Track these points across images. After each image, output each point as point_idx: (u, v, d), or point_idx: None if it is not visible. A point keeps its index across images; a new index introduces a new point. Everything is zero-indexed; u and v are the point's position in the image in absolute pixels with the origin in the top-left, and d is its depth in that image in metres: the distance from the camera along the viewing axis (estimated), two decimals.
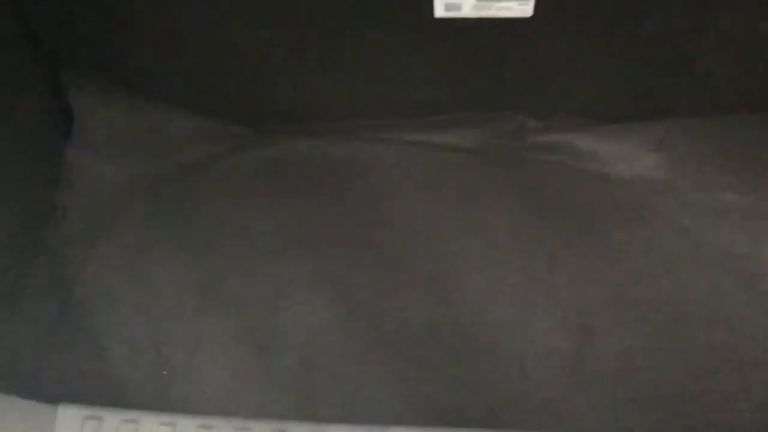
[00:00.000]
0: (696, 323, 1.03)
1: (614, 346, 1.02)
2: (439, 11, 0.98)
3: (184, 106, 1.21)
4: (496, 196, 1.19)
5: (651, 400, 0.98)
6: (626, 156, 1.19)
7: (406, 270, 1.11)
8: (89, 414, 0.73)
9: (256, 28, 1.08)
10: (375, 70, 1.14)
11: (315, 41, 1.10)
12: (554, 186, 1.19)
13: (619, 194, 1.17)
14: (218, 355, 1.03)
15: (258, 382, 1.01)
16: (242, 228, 1.16)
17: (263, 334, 1.05)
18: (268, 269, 1.11)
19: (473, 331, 1.05)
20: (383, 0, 1.01)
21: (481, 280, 1.10)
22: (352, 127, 1.23)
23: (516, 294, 1.08)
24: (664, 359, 1.01)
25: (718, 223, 1.11)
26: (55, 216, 1.15)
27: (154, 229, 1.15)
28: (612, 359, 1.01)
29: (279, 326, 1.06)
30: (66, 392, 0.77)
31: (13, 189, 1.07)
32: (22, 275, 1.08)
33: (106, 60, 1.14)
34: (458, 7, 0.98)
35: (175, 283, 1.10)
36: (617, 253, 1.10)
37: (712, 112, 1.16)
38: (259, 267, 1.12)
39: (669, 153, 1.18)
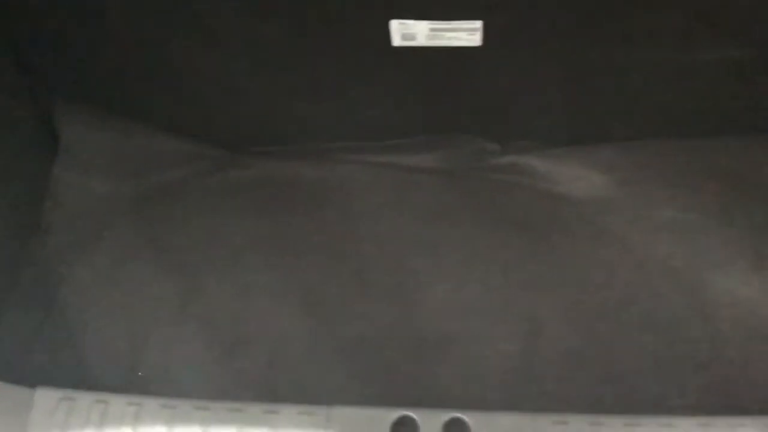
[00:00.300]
0: (637, 328, 1.11)
1: (561, 349, 1.10)
2: (397, 40, 1.08)
3: (166, 129, 1.30)
4: (456, 213, 1.27)
5: (594, 399, 1.05)
6: (577, 177, 1.28)
7: (371, 280, 1.19)
8: (64, 396, 0.81)
9: (233, 58, 1.18)
10: (343, 95, 1.24)
11: (287, 70, 1.20)
12: (511, 205, 1.28)
13: (570, 212, 1.26)
14: (191, 357, 1.10)
15: (226, 382, 1.08)
16: (219, 241, 1.24)
17: (234, 338, 1.13)
18: (241, 279, 1.19)
19: (431, 335, 1.13)
20: (348, 30, 1.10)
21: (440, 290, 1.17)
22: (322, 149, 1.33)
23: (472, 302, 1.16)
24: (607, 361, 1.08)
25: (658, 238, 1.19)
26: (40, 230, 1.23)
27: (135, 243, 1.23)
28: (559, 361, 1.09)
29: (249, 331, 1.13)
30: (43, 383, 0.84)
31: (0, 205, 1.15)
32: (7, 285, 1.15)
33: (92, 84, 1.24)
34: (413, 37, 1.07)
35: (154, 292, 1.17)
36: (567, 265, 1.19)
37: (652, 136, 1.25)
38: (233, 277, 1.19)
39: (615, 174, 1.27)
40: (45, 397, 0.82)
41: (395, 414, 0.80)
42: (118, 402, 0.80)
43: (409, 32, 1.07)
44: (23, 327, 1.11)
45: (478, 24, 1.04)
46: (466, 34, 1.06)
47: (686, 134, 1.26)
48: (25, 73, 1.20)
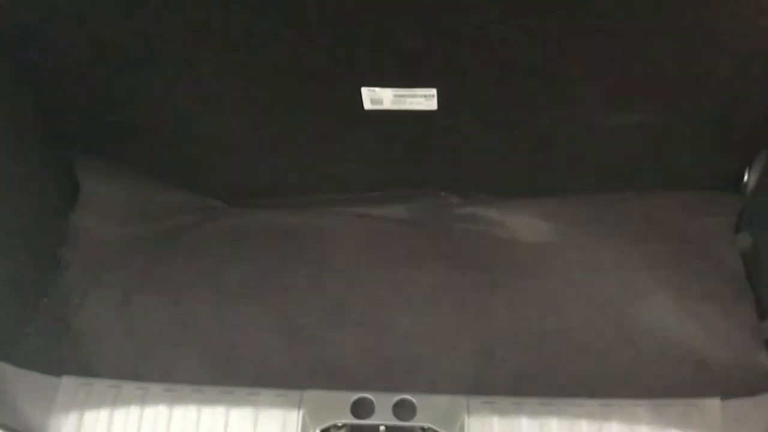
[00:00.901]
0: (575, 352, 1.29)
1: (508, 370, 1.28)
2: (367, 104, 1.31)
3: (170, 182, 1.52)
4: (421, 256, 1.47)
5: None
6: (526, 225, 1.50)
7: (345, 312, 1.38)
8: (84, 382, 0.99)
9: (229, 120, 1.41)
10: (323, 153, 1.46)
11: (275, 131, 1.43)
12: (469, 248, 1.48)
13: (520, 254, 1.46)
14: (188, 376, 1.28)
15: None
16: (214, 279, 1.43)
17: (225, 360, 1.31)
18: (232, 311, 1.38)
19: (398, 358, 1.31)
20: (326, 97, 1.34)
21: (405, 321, 1.36)
22: (304, 201, 1.54)
23: (433, 330, 1.34)
24: (548, 380, 1.26)
25: (594, 275, 1.39)
26: (59, 267, 1.42)
27: (141, 279, 1.42)
28: (507, 379, 1.27)
29: (238, 354, 1.31)
30: None
31: (23, 245, 1.34)
32: (29, 313, 1.34)
33: (106, 143, 1.46)
34: (381, 102, 1.31)
35: (157, 320, 1.36)
36: (516, 299, 1.38)
37: (588, 190, 1.47)
38: (225, 309, 1.38)
39: (558, 222, 1.49)
40: (69, 383, 1.00)
41: (355, 395, 0.99)
42: (128, 387, 0.99)
43: (377, 98, 1.30)
44: (40, 353, 1.28)
45: (433, 91, 1.28)
46: (424, 99, 1.29)
47: (618, 188, 1.47)
48: (52, 134, 1.42)
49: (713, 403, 1.00)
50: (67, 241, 1.46)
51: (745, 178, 1.45)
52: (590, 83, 1.26)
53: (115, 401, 0.99)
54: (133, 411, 0.98)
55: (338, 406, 0.99)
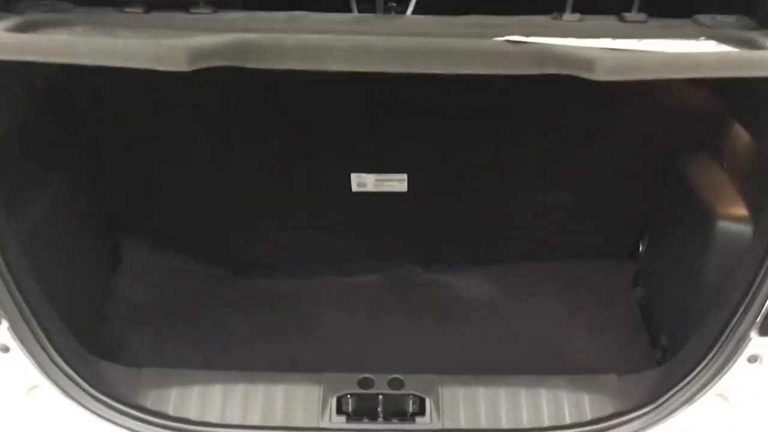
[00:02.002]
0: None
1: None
2: (354, 187, 1.78)
3: (191, 254, 1.93)
4: (391, 312, 1.89)
5: None
6: (476, 286, 1.94)
7: (331, 351, 1.76)
8: (162, 372, 1.37)
9: (241, 207, 1.86)
10: (315, 230, 1.90)
11: (278, 213, 1.87)
12: (430, 306, 1.91)
13: (470, 308, 1.90)
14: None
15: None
16: (227, 329, 1.81)
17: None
18: (242, 352, 1.75)
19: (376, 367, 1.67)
20: (322, 182, 1.80)
21: (380, 358, 1.74)
22: (297, 270, 1.95)
23: (400, 365, 1.70)
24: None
25: (529, 323, 1.82)
26: (104, 319, 1.80)
27: (170, 329, 1.79)
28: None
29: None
30: None
31: (74, 298, 1.71)
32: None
33: (146, 224, 1.88)
34: (365, 185, 1.78)
35: (185, 360, 1.72)
36: (465, 342, 1.79)
37: (526, 258, 1.94)
38: (237, 351, 1.76)
39: (501, 283, 1.94)
40: (150, 373, 1.38)
41: (360, 375, 1.39)
42: (194, 373, 1.38)
43: (362, 181, 1.77)
44: None
45: (404, 176, 1.76)
46: (398, 183, 1.77)
47: (545, 256, 1.95)
48: (101, 214, 1.84)
49: (612, 377, 1.43)
50: (110, 299, 1.83)
51: (640, 249, 1.95)
52: (523, 172, 1.77)
53: (185, 384, 1.37)
54: (201, 391, 1.36)
55: (347, 382, 1.39)
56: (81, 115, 1.64)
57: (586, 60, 1.16)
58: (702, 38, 1.30)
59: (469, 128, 1.73)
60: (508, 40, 1.21)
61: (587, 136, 1.77)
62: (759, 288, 1.27)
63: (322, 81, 1.50)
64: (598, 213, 1.90)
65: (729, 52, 1.21)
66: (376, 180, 1.78)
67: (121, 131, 1.74)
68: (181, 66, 1.11)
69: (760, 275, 1.27)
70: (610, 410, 1.36)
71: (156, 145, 1.78)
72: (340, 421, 1.36)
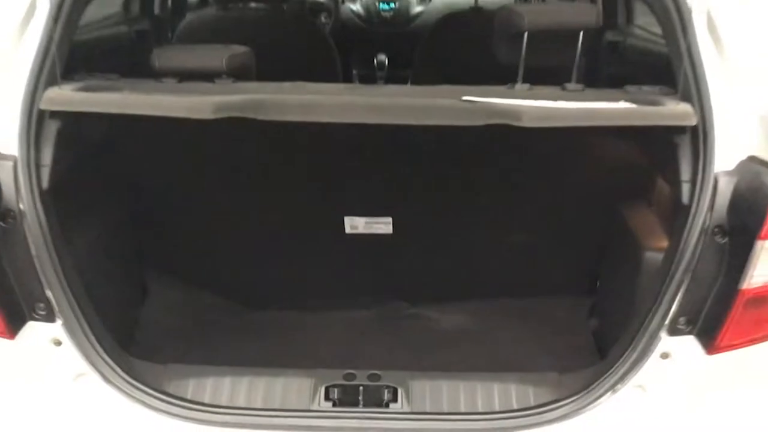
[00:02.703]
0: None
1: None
2: (348, 229, 2.13)
3: (209, 290, 2.27)
4: (380, 338, 2.20)
5: None
6: (453, 318, 2.26)
7: (321, 356, 2.05)
8: (185, 368, 1.70)
9: (251, 247, 2.21)
10: (313, 268, 2.24)
11: (283, 253, 2.22)
12: (414, 334, 2.23)
13: (449, 338, 2.21)
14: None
15: None
16: (240, 352, 2.13)
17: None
18: (245, 360, 2.05)
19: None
20: (320, 225, 2.15)
21: (360, 357, 2.00)
22: (298, 306, 2.28)
23: (376, 361, 1.95)
24: None
25: (498, 348, 2.12)
26: (132, 342, 2.12)
27: (191, 351, 2.11)
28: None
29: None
30: None
31: (108, 325, 2.02)
32: None
33: (166, 261, 2.23)
34: (357, 227, 2.13)
35: (202, 372, 2.04)
36: (439, 355, 2.08)
37: (498, 294, 2.25)
38: (247, 370, 2.06)
39: (477, 316, 2.25)
40: (172, 367, 1.71)
41: (345, 370, 1.71)
42: (208, 368, 1.70)
43: (354, 224, 2.12)
44: None
45: (389, 219, 2.11)
46: (384, 225, 2.12)
47: (514, 292, 2.26)
48: (133, 255, 2.19)
49: (553, 374, 1.74)
50: (137, 325, 2.17)
51: (598, 284, 2.27)
52: (492, 218, 2.12)
53: (201, 376, 1.69)
54: (214, 381, 1.68)
55: (334, 375, 1.71)
56: (122, 166, 2.01)
57: (516, 112, 1.54)
58: (621, 101, 1.68)
59: (443, 179, 2.09)
60: (463, 99, 1.59)
61: (546, 187, 2.12)
62: (665, 297, 1.59)
63: (320, 138, 1.88)
64: (559, 254, 2.23)
65: (628, 107, 1.58)
66: (365, 223, 2.13)
67: (152, 181, 2.11)
68: (207, 115, 1.49)
69: (666, 287, 1.59)
70: (549, 399, 1.66)
71: (179, 194, 2.15)
72: (328, 406, 1.67)
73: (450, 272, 2.27)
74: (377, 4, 3.81)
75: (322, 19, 3.59)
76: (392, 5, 3.81)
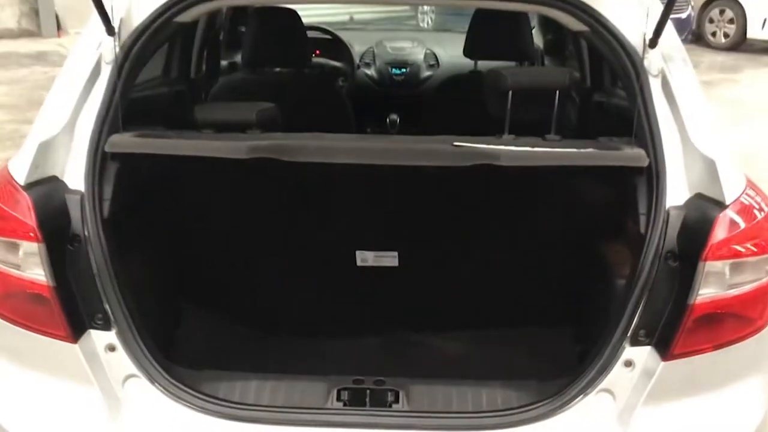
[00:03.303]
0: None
1: None
2: (359, 262, 2.45)
3: (232, 320, 2.58)
4: (385, 356, 2.47)
5: None
6: (455, 346, 2.54)
7: (335, 365, 2.34)
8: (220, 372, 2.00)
9: (271, 282, 2.52)
10: (328, 300, 2.55)
11: (300, 286, 2.53)
12: (414, 352, 2.50)
13: (451, 360, 2.49)
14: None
15: None
16: (257, 368, 2.42)
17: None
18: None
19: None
20: (333, 258, 2.47)
21: (367, 366, 2.28)
22: (314, 332, 2.58)
23: (381, 370, 2.23)
24: None
25: (490, 372, 2.40)
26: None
27: (212, 367, 2.40)
28: None
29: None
30: None
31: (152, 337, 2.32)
32: None
33: (199, 296, 2.54)
34: (367, 260, 2.44)
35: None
36: (436, 370, 2.37)
37: (490, 325, 2.54)
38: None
39: (473, 342, 2.53)
40: (206, 372, 2.01)
41: (354, 377, 2.00)
42: (239, 374, 2.00)
43: (364, 257, 2.44)
44: None
45: (395, 254, 2.42)
46: (390, 258, 2.43)
47: (501, 324, 2.55)
48: (171, 287, 2.51)
49: (533, 382, 2.02)
50: (173, 344, 2.47)
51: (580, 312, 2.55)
52: (487, 254, 2.43)
53: (231, 380, 1.99)
54: (242, 384, 1.98)
55: (345, 380, 2.00)
56: (164, 204, 2.35)
57: (496, 154, 1.87)
58: (589, 148, 2.01)
59: (441, 219, 2.41)
60: (454, 144, 1.93)
61: (532, 225, 2.43)
62: (627, 312, 1.88)
63: (334, 181, 2.22)
64: (545, 285, 2.52)
65: (590, 151, 1.91)
66: (374, 256, 2.45)
67: (187, 219, 2.45)
68: (242, 155, 1.83)
69: (628, 304, 1.88)
70: (529, 401, 1.94)
71: (210, 232, 2.48)
72: (339, 405, 1.96)
73: (448, 301, 2.57)
74: (390, 69, 4.18)
75: (340, 82, 3.96)
76: (404, 70, 4.18)
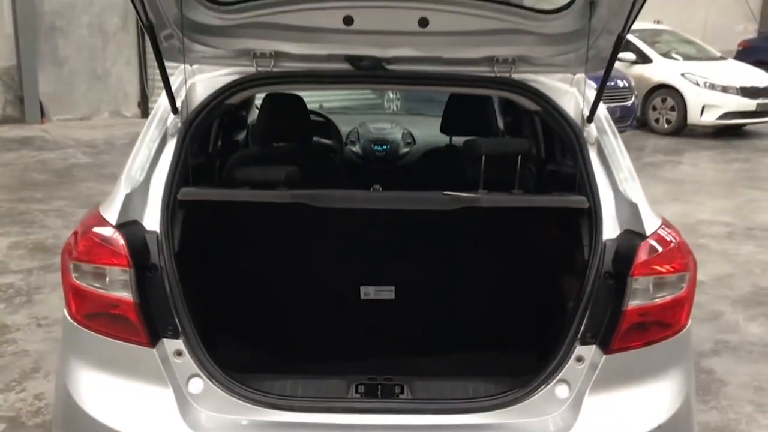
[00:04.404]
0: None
1: None
2: (362, 296, 3.05)
3: (252, 344, 3.13)
4: (390, 363, 3.04)
5: None
6: (437, 364, 3.13)
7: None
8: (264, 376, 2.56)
9: (286, 317, 3.11)
10: (329, 331, 3.13)
11: (310, 319, 3.11)
12: (412, 361, 3.07)
13: (436, 375, 3.07)
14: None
15: None
16: (289, 370, 2.95)
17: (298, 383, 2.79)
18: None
19: None
20: (339, 293, 3.07)
21: (378, 368, 2.86)
22: (326, 349, 3.13)
23: (389, 371, 2.84)
24: None
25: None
26: None
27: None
28: None
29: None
30: None
31: None
32: None
33: (231, 327, 3.11)
34: (369, 294, 3.05)
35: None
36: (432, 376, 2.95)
37: (477, 349, 3.14)
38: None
39: (460, 373, 3.12)
40: (250, 375, 2.57)
41: (368, 375, 2.58)
42: (276, 377, 2.57)
43: (367, 291, 3.05)
44: None
45: (392, 288, 3.03)
46: (387, 291, 3.04)
47: (490, 348, 3.13)
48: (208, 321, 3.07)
49: (507, 378, 2.62)
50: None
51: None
52: (468, 289, 3.05)
53: (270, 380, 2.55)
54: (281, 383, 2.54)
55: (361, 378, 2.58)
56: (214, 244, 2.95)
57: (477, 198, 2.53)
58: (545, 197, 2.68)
59: (430, 260, 3.04)
60: (443, 193, 2.58)
61: (507, 264, 3.07)
62: (576, 320, 2.50)
63: (342, 229, 2.85)
64: (521, 303, 3.14)
65: (544, 197, 2.58)
66: (375, 290, 3.05)
67: (222, 259, 3.04)
68: (285, 200, 2.46)
69: (578, 313, 2.51)
70: (505, 390, 2.53)
71: (240, 270, 3.07)
72: (357, 396, 2.53)
73: (437, 322, 3.16)
74: (373, 146, 4.88)
75: (331, 155, 4.64)
76: (384, 147, 4.88)
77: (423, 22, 2.63)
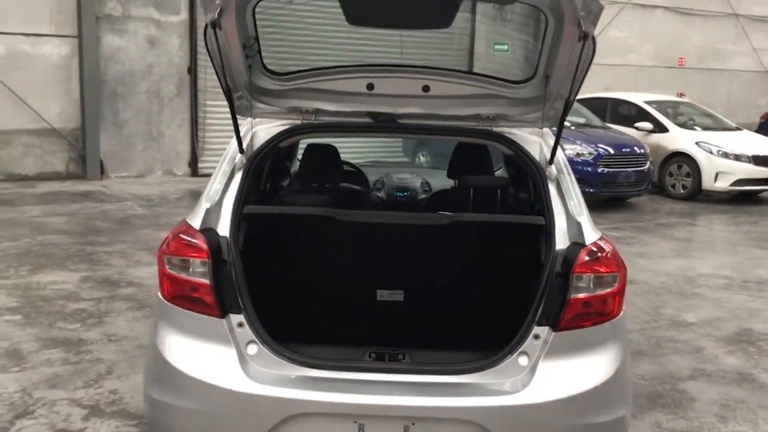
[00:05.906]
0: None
1: None
2: (378, 297, 3.99)
3: (293, 321, 4.05)
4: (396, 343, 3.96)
5: None
6: (437, 356, 4.03)
7: (366, 348, 3.83)
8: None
9: (311, 314, 4.06)
10: (348, 330, 4.04)
11: (335, 319, 4.05)
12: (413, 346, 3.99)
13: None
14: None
15: None
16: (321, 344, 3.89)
17: (326, 350, 3.73)
18: (329, 346, 3.80)
19: None
20: (358, 295, 4.01)
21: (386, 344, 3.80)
22: (346, 342, 4.05)
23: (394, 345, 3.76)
24: None
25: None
26: None
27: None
28: None
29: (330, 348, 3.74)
30: None
31: None
32: None
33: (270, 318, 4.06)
34: (384, 296, 3.99)
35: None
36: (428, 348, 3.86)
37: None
38: (326, 346, 3.82)
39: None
40: (290, 344, 3.51)
41: (378, 347, 3.51)
42: (308, 347, 3.51)
43: (381, 294, 3.98)
44: None
45: (402, 291, 3.97)
46: (398, 295, 3.97)
47: (465, 323, 4.02)
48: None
49: (485, 352, 3.52)
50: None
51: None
52: (457, 291, 3.98)
53: (305, 348, 3.49)
54: (314, 350, 3.47)
55: (373, 349, 3.50)
56: (267, 247, 3.92)
57: (461, 215, 3.50)
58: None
59: (429, 269, 3.98)
60: (439, 213, 3.57)
61: (486, 268, 3.99)
62: (534, 307, 3.41)
63: (362, 241, 3.83)
64: (495, 299, 4.03)
65: (514, 215, 3.54)
66: (388, 294, 3.99)
67: (267, 262, 4.00)
68: (317, 213, 3.46)
69: (535, 303, 3.42)
70: (480, 358, 3.43)
71: (291, 266, 4.03)
72: (369, 360, 3.44)
73: (434, 316, 4.06)
74: (395, 192, 5.88)
75: (358, 197, 5.64)
76: (405, 193, 5.89)
77: (426, 89, 3.67)
